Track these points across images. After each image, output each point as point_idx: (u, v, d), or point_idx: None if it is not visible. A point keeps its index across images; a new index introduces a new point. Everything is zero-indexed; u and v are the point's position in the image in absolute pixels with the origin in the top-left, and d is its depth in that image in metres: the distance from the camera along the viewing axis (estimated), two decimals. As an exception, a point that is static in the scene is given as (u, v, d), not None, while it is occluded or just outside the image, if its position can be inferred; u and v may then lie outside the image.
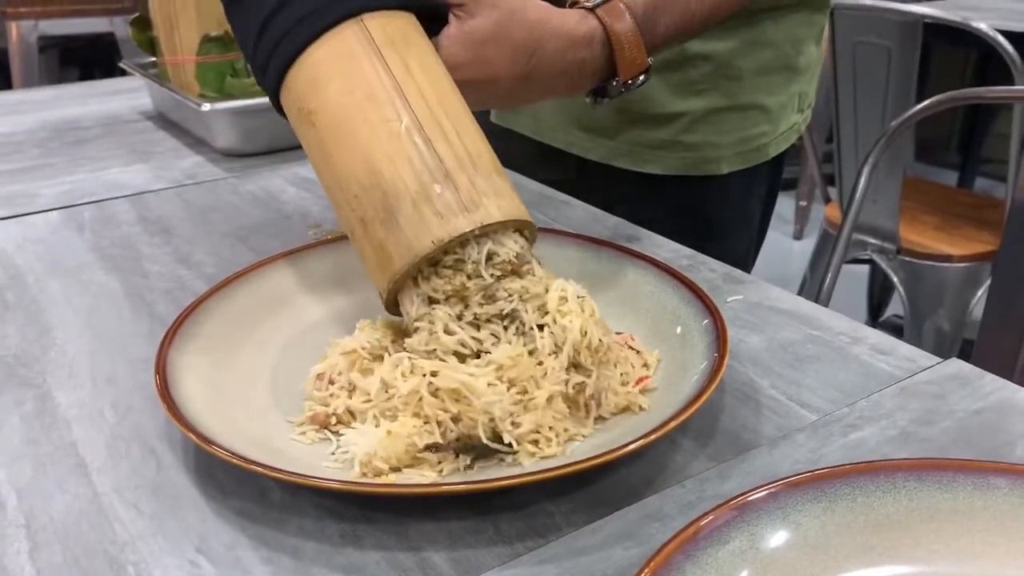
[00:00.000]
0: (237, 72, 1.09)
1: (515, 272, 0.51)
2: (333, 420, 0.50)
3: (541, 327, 0.49)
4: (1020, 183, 1.07)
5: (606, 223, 0.80)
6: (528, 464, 0.46)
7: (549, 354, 0.49)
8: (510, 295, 0.50)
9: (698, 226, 0.98)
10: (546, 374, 0.48)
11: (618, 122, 0.95)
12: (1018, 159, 1.26)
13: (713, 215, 1.00)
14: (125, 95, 1.31)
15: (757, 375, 0.55)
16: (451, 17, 0.60)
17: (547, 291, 0.51)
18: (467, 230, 0.49)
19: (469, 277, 0.49)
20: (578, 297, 0.51)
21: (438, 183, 0.50)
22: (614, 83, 0.67)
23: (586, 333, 0.49)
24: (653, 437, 0.44)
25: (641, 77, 0.67)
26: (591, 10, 0.65)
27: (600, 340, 0.50)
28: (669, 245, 0.74)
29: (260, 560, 0.40)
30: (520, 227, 0.53)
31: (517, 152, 1.04)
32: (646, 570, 0.34)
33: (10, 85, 2.56)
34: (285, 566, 0.40)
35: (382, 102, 0.51)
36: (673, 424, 0.44)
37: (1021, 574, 0.37)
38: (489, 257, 0.50)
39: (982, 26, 1.57)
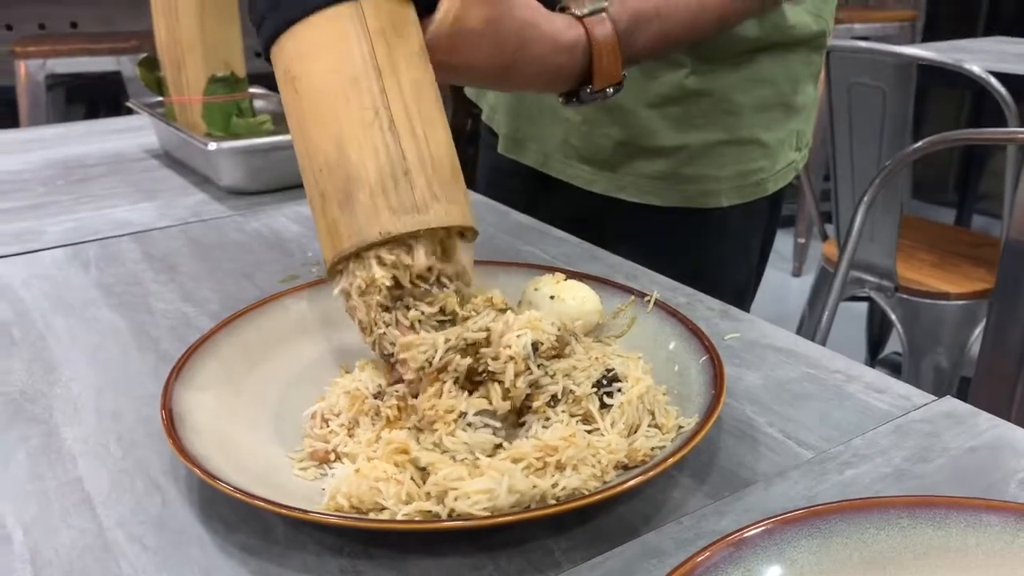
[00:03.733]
0: (243, 111, 1.11)
1: (559, 356, 0.53)
2: (332, 456, 0.50)
3: (601, 403, 0.51)
4: (1014, 223, 1.09)
5: (606, 261, 0.81)
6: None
7: (611, 426, 0.49)
8: (553, 375, 0.51)
9: (698, 259, 1.00)
10: (608, 445, 0.48)
11: (620, 155, 0.97)
12: (1012, 199, 1.27)
13: (713, 248, 1.01)
14: (131, 133, 1.33)
15: (754, 413, 0.56)
16: (445, 2, 0.61)
17: (598, 360, 0.53)
18: (413, 230, 0.52)
19: (518, 375, 0.50)
20: (639, 375, 0.52)
21: (397, 179, 0.53)
22: (588, 90, 0.70)
23: (644, 398, 0.51)
24: (651, 474, 0.44)
25: (611, 89, 0.70)
26: (579, 18, 0.68)
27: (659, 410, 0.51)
28: (667, 283, 0.75)
29: (262, 595, 0.41)
30: (463, 231, 0.56)
31: (524, 184, 1.06)
32: (643, 606, 0.34)
33: (17, 122, 2.60)
34: (287, 601, 0.41)
35: (362, 89, 0.54)
36: (671, 461, 0.45)
37: (1014, 611, 0.37)
38: (535, 347, 0.51)
39: (974, 68, 1.60)
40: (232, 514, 0.46)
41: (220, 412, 0.52)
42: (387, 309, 0.53)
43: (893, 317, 1.75)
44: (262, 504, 0.42)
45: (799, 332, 1.90)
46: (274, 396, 0.56)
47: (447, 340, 0.50)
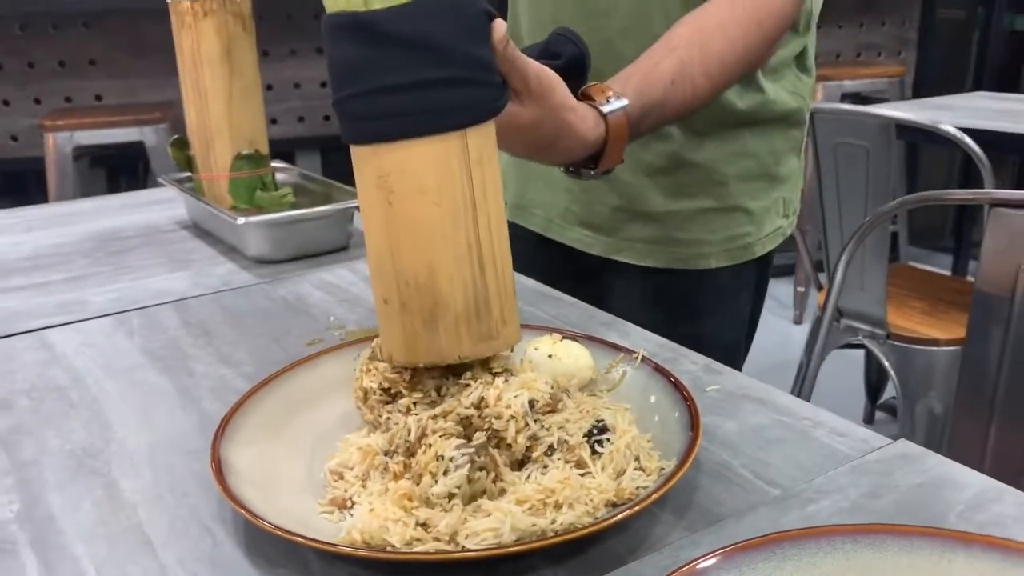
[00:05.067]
0: (266, 185, 1.21)
1: (552, 410, 0.60)
2: (349, 503, 0.58)
3: (592, 450, 0.58)
4: (981, 275, 1.17)
5: (601, 319, 0.89)
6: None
7: (601, 470, 0.57)
8: (548, 428, 0.59)
9: (691, 316, 1.08)
10: (599, 486, 0.55)
11: (617, 220, 1.06)
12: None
13: (704, 307, 1.09)
14: (161, 205, 1.42)
15: (730, 456, 0.63)
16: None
17: (588, 412, 0.61)
18: (486, 355, 0.60)
19: (519, 432, 0.57)
20: (626, 425, 0.60)
21: (479, 310, 0.59)
22: (591, 171, 0.80)
23: (630, 446, 0.59)
24: (636, 509, 0.52)
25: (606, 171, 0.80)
26: (604, 116, 0.76)
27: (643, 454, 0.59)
28: (657, 340, 0.83)
29: (303, 619, 0.48)
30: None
31: (529, 247, 1.15)
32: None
33: (46, 191, 2.72)
34: (325, 623, 0.48)
35: (459, 224, 0.57)
36: (653, 498, 0.52)
37: (937, 619, 0.44)
38: (531, 405, 0.58)
39: (950, 128, 1.69)
40: (274, 551, 0.53)
41: (260, 463, 0.60)
42: (387, 402, 0.61)
43: (886, 364, 1.81)
44: (300, 540, 0.50)
45: (797, 378, 1.96)
46: (306, 449, 0.64)
47: (419, 421, 0.57)
